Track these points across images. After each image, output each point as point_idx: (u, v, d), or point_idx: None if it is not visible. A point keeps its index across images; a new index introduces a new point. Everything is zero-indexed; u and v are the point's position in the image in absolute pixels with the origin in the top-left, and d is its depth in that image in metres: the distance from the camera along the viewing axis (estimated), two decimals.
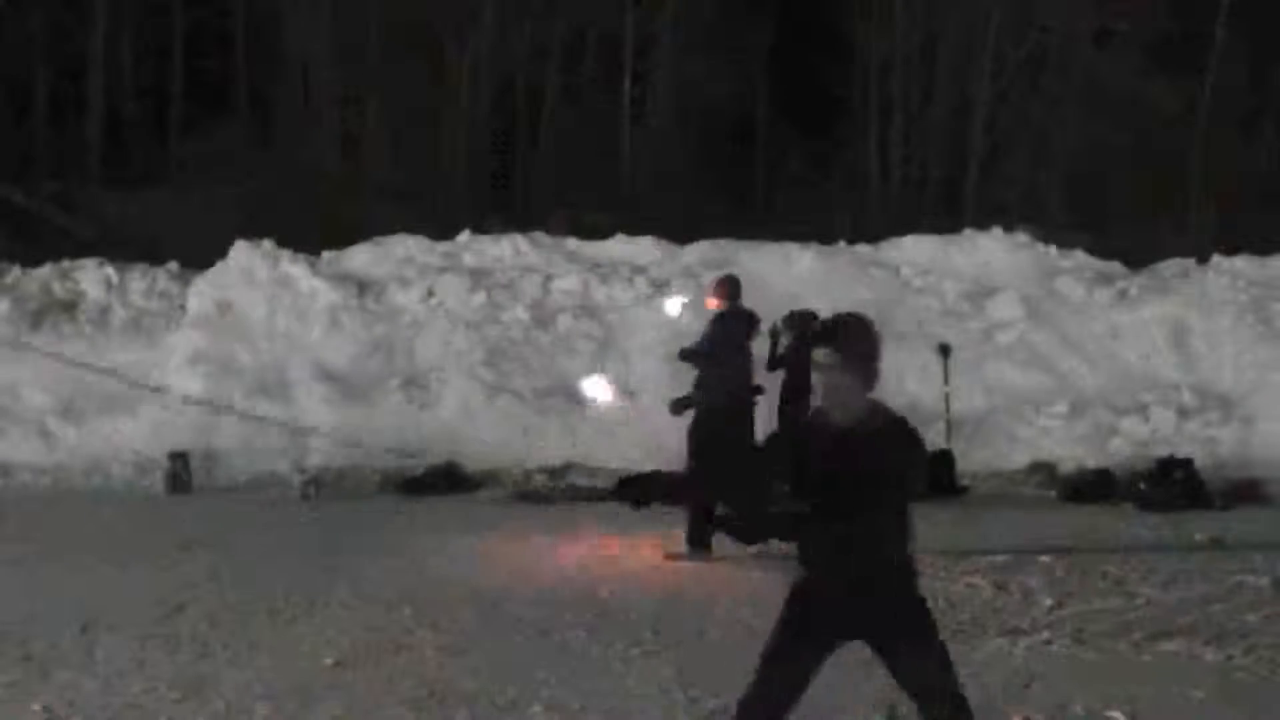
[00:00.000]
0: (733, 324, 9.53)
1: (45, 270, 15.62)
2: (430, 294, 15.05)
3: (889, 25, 30.69)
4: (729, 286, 9.71)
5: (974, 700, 5.36)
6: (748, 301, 12.62)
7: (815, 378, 3.80)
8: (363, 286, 15.07)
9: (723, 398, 9.21)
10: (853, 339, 3.78)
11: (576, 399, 13.51)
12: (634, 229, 17.13)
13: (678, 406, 9.43)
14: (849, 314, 3.90)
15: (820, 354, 3.76)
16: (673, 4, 30.63)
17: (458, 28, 29.00)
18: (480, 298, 14.94)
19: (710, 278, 11.07)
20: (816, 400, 3.92)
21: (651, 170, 29.83)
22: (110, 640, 6.50)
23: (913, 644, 3.83)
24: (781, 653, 3.85)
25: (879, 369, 3.78)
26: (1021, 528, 10.05)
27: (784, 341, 11.18)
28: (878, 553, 3.77)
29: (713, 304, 9.67)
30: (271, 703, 5.46)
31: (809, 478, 3.77)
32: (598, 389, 10.26)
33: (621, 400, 10.05)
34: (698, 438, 9.20)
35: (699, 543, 8.84)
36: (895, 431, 3.75)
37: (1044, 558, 8.59)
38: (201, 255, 15.75)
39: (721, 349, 9.39)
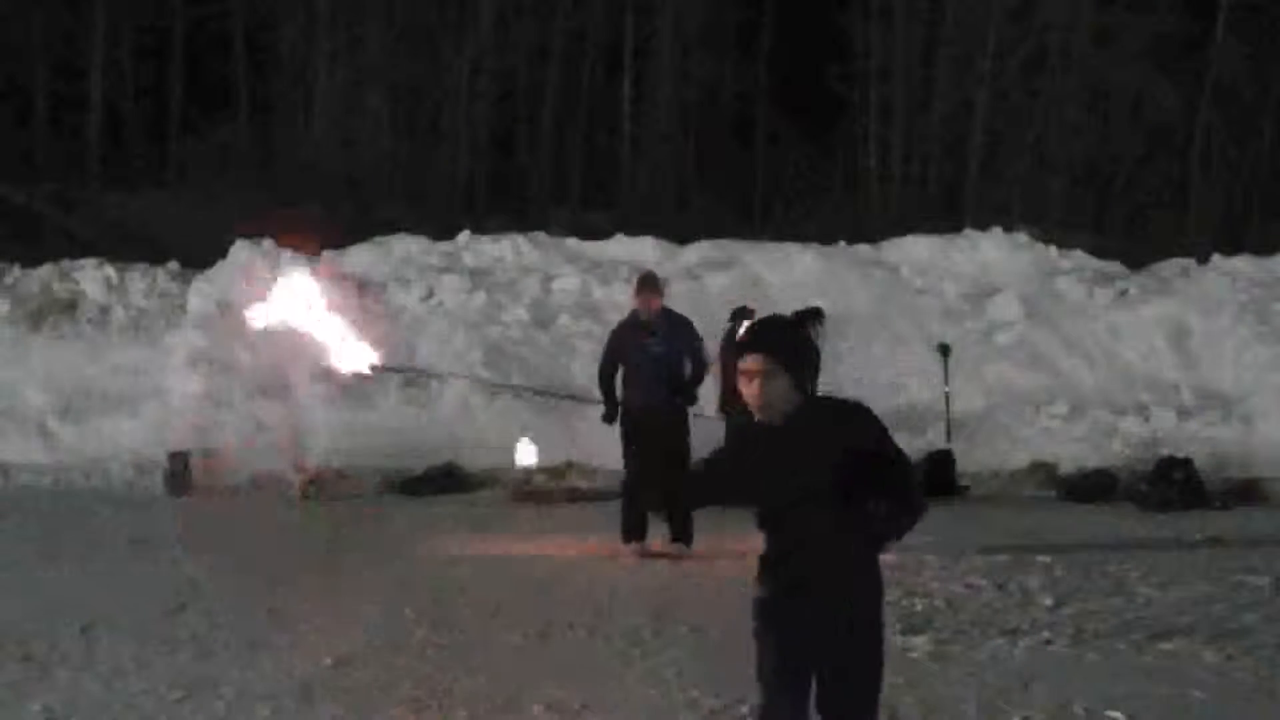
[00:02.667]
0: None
1: (45, 270, 15.63)
2: (430, 294, 15.05)
3: (889, 25, 30.70)
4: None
5: (974, 700, 5.42)
6: (749, 301, 12.63)
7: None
8: (363, 286, 15.07)
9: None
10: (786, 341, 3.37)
11: (576, 399, 13.51)
12: (634, 229, 17.14)
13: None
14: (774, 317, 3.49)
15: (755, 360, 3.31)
16: (673, 4, 30.63)
17: (458, 27, 29.00)
18: (480, 298, 14.94)
19: (641, 277, 9.49)
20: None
21: (651, 170, 29.83)
22: (110, 640, 6.49)
23: (864, 672, 3.31)
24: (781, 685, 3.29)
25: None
26: (1021, 528, 10.05)
27: None
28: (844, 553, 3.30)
29: (656, 304, 9.01)
30: (271, 703, 5.46)
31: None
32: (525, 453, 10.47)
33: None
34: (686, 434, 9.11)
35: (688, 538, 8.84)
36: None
37: (1044, 558, 8.58)
38: (201, 255, 15.76)
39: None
